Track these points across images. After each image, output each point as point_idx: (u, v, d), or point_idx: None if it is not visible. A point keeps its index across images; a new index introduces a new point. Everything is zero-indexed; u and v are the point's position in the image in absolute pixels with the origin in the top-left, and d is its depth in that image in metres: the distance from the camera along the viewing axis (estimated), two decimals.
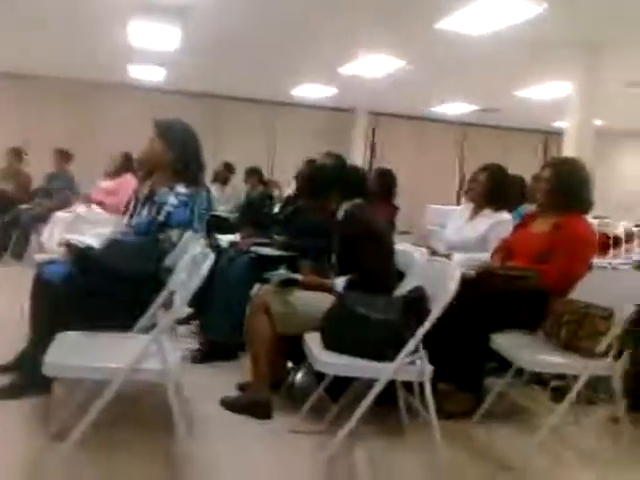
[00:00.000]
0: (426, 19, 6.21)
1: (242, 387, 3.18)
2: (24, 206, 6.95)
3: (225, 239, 4.58)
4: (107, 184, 6.26)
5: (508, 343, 2.89)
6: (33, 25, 7.73)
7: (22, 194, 7.38)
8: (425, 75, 9.14)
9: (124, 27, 7.30)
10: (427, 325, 2.43)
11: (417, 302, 2.55)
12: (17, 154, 7.66)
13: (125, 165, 6.35)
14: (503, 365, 3.04)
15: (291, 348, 3.05)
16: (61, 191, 6.96)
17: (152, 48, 8.32)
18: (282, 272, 3.09)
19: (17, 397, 2.81)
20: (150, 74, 10.55)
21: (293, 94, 11.63)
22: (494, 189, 3.84)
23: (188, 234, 2.94)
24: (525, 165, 8.70)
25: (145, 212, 3.08)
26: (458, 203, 12.31)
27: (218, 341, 3.77)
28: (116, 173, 6.32)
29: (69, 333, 2.45)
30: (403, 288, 2.84)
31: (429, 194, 11.95)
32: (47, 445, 2.43)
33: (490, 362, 3.20)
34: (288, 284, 3.01)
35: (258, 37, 7.64)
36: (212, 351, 3.74)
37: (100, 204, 6.23)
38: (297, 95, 11.69)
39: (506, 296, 2.99)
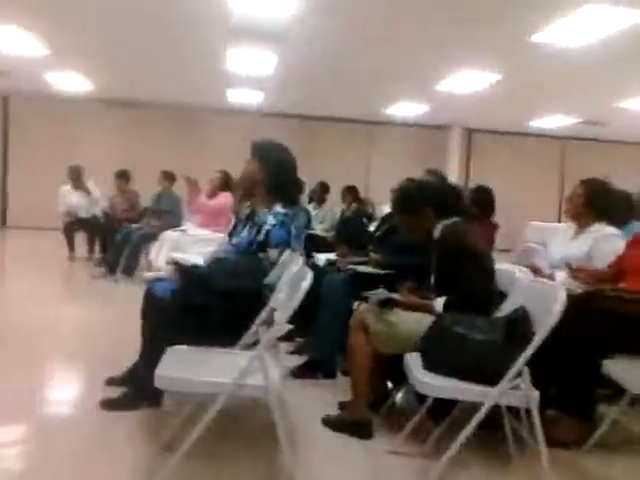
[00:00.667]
0: (522, 32, 6.09)
1: (343, 406, 3.19)
2: (134, 225, 7.36)
3: (322, 258, 4.64)
4: (207, 203, 6.54)
5: (621, 368, 2.73)
6: (143, 57, 8.28)
7: (131, 214, 7.84)
8: (522, 89, 8.93)
9: (223, 54, 7.65)
10: (531, 348, 2.34)
11: (520, 324, 2.47)
12: (125, 176, 8.14)
13: (224, 184, 6.61)
14: (617, 392, 2.88)
15: (391, 367, 3.03)
16: (168, 211, 7.32)
17: (249, 73, 8.65)
18: (380, 291, 3.08)
19: (129, 409, 2.96)
20: (248, 98, 10.95)
21: (387, 113, 11.69)
22: (593, 204, 3.66)
23: (287, 253, 3.01)
24: (632, 180, 8.24)
25: (245, 232, 3.18)
26: (560, 220, 11.84)
27: (319, 359, 3.82)
28: (214, 192, 6.58)
29: (178, 347, 2.56)
30: (505, 309, 2.76)
31: (529, 211, 11.57)
32: (157, 456, 2.53)
33: (602, 389, 3.04)
34: (387, 304, 3.00)
35: (352, 58, 7.76)
36: (314, 369, 3.79)
37: (202, 223, 6.55)
38: (391, 113, 11.74)
39: (618, 318, 2.84)
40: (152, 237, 6.65)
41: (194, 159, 11.18)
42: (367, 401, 2.97)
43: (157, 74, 9.52)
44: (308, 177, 7.45)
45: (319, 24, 6.36)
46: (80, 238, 8.35)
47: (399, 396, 3.31)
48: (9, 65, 9.21)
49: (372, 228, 6.42)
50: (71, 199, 8.21)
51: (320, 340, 3.83)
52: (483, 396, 2.39)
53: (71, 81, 10.38)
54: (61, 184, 8.47)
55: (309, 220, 6.43)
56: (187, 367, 2.40)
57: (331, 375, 3.75)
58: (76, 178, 8.19)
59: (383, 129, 13.12)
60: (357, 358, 2.98)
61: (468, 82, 8.44)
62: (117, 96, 11.80)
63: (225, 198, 6.68)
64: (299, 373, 3.75)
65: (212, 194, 6.63)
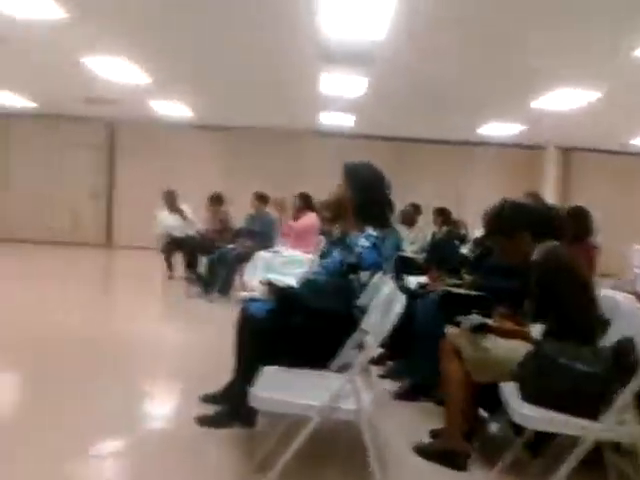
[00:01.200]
0: (623, 48, 5.83)
1: (435, 434, 3.12)
2: (229, 246, 7.60)
3: (413, 280, 4.59)
4: (293, 226, 6.70)
5: None
6: (239, 83, 8.63)
7: (224, 235, 8.10)
8: (623, 106, 8.52)
9: (316, 77, 7.82)
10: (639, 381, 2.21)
11: (627, 354, 2.33)
12: (218, 199, 8.44)
13: (304, 205, 6.74)
14: None
15: (484, 395, 2.94)
16: (261, 232, 7.51)
17: (342, 96, 8.78)
18: (474, 317, 3.01)
19: (223, 427, 3.03)
20: (340, 120, 11.11)
21: (480, 133, 11.49)
22: None
23: (378, 275, 3.01)
24: None
25: (336, 253, 3.20)
26: None
27: (420, 382, 3.78)
28: (297, 214, 6.71)
29: (272, 368, 2.61)
30: (609, 338, 2.62)
31: (632, 234, 10.95)
32: (250, 475, 2.57)
33: None
34: (480, 329, 2.93)
35: (444, 78, 7.71)
36: (416, 392, 3.75)
37: (291, 245, 6.68)
38: (484, 134, 11.53)
39: None
40: (246, 257, 6.83)
41: (288, 181, 11.42)
42: (461, 430, 2.89)
43: (253, 100, 9.87)
44: (399, 198, 7.42)
45: (410, 46, 6.38)
46: (179, 258, 8.69)
47: (494, 426, 3.20)
48: (117, 94, 9.84)
49: (464, 250, 6.31)
50: (168, 222, 8.60)
51: (418, 364, 3.78)
52: (585, 430, 2.28)
53: (172, 108, 10.96)
54: (157, 209, 8.87)
55: (400, 242, 6.39)
56: (281, 388, 2.43)
57: (433, 399, 3.67)
58: (171, 202, 8.57)
59: (476, 150, 12.90)
60: (450, 385, 2.92)
61: (566, 100, 8.15)
62: (215, 122, 12.33)
63: (309, 219, 6.81)
64: (401, 396, 3.73)
65: (296, 216, 6.79)
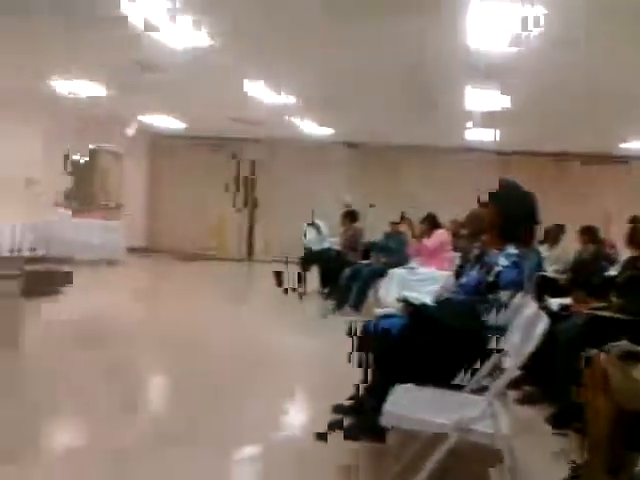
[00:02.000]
0: None
1: (576, 467, 2.93)
2: (363, 262, 7.68)
3: (555, 302, 4.36)
4: (428, 242, 6.70)
5: None
6: (384, 103, 8.77)
7: (355, 250, 8.20)
8: None
9: (462, 94, 7.73)
10: None
11: None
12: (352, 215, 8.56)
13: (431, 223, 6.82)
14: None
15: (633, 430, 2.72)
16: (396, 249, 7.52)
17: (485, 110, 8.62)
18: (624, 343, 2.80)
19: (353, 439, 3.05)
20: (484, 136, 10.90)
21: (623, 147, 10.72)
22: None
23: (519, 296, 2.90)
24: None
25: (475, 272, 3.14)
26: None
27: (555, 411, 3.59)
28: (428, 233, 6.76)
29: (405, 385, 2.59)
30: None
31: None
32: None
33: None
34: (632, 357, 2.72)
35: (593, 87, 7.29)
36: (563, 419, 3.56)
37: (424, 262, 6.63)
38: (629, 147, 10.74)
39: None
40: (381, 274, 6.86)
41: (434, 198, 11.31)
42: (606, 465, 2.69)
43: (397, 118, 9.95)
44: (543, 217, 7.16)
45: (554, 56, 6.13)
46: (312, 273, 8.90)
47: None
48: (265, 115, 10.33)
49: (613, 272, 5.89)
50: (308, 235, 8.87)
51: (558, 390, 3.58)
52: None
53: (314, 126, 11.32)
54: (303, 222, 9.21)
55: (541, 261, 6.10)
56: (415, 406, 2.42)
57: (573, 428, 3.46)
58: (311, 217, 8.87)
59: (624, 166, 12.04)
60: (595, 414, 2.73)
61: None
62: (356, 139, 12.58)
63: (441, 236, 6.75)
64: (553, 422, 3.56)
65: (427, 234, 6.76)
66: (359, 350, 3.23)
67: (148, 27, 5.77)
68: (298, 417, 3.72)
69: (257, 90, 8.44)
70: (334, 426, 3.10)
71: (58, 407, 3.47)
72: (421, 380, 2.65)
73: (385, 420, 2.35)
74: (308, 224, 8.88)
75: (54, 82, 8.81)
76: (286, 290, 8.50)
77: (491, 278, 2.98)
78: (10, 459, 2.67)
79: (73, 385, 3.86)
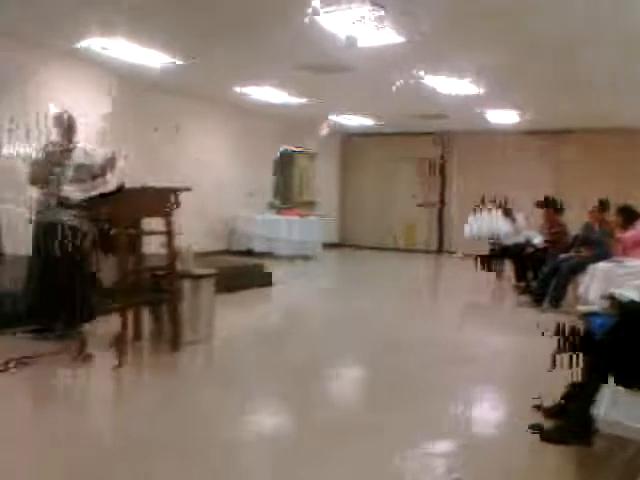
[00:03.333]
0: None
1: None
2: (562, 256, 7.22)
3: None
4: (623, 237, 6.27)
5: None
6: (579, 86, 8.18)
7: (558, 244, 7.71)
8: None
9: None
10: None
11: None
12: (555, 206, 8.06)
13: (628, 215, 6.40)
14: None
15: None
16: (599, 241, 6.98)
17: None
18: None
19: (557, 442, 2.91)
20: None
21: None
22: None
23: None
24: None
25: None
26: None
27: None
28: (625, 225, 6.36)
29: (616, 388, 2.43)
30: None
31: None
32: None
33: None
34: None
35: None
36: None
37: (623, 255, 6.10)
38: None
39: None
40: (581, 268, 6.42)
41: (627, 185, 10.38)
42: None
43: (591, 102, 9.25)
44: None
45: None
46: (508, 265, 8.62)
47: None
48: (449, 108, 10.22)
49: None
50: (498, 225, 8.57)
51: None
52: None
53: (501, 115, 10.93)
54: (488, 209, 8.95)
55: None
56: (631, 412, 2.25)
57: None
58: (505, 208, 8.56)
59: None
60: None
61: None
62: (542, 126, 11.90)
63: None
64: None
65: (624, 226, 6.38)
66: (566, 350, 3.08)
67: (335, 27, 5.97)
68: (494, 415, 3.63)
69: (441, 83, 8.36)
70: (537, 428, 3.00)
71: (258, 394, 3.77)
72: (634, 383, 2.46)
73: (596, 425, 2.22)
74: (505, 214, 8.59)
75: (245, 89, 9.54)
76: (500, 283, 8.45)
77: None
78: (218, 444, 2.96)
79: (273, 376, 4.16)
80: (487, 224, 8.70)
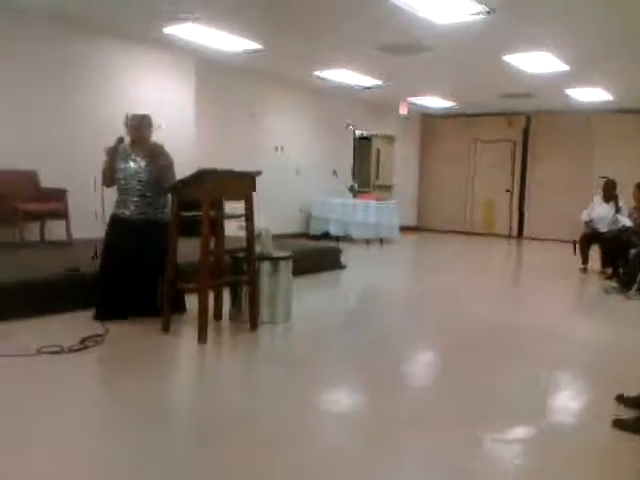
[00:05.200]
0: None
1: None
2: None
3: None
4: None
5: None
6: None
7: None
8: None
9: None
10: None
11: None
12: None
13: None
14: None
15: None
16: None
17: None
18: None
19: (634, 432, 2.82)
20: None
21: None
22: None
23: None
24: None
25: None
26: None
27: None
28: None
29: None
30: None
31: None
32: None
33: None
34: None
35: None
36: None
37: None
38: None
39: None
40: None
41: None
42: None
43: None
44: None
45: None
46: (595, 251, 8.31)
47: None
48: (533, 86, 9.88)
49: None
50: (598, 211, 8.26)
51: None
52: None
53: (589, 93, 10.46)
54: (594, 194, 8.65)
55: None
56: None
57: None
58: (608, 192, 8.24)
59: None
60: None
61: None
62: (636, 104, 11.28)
63: None
64: None
65: None
66: None
67: (412, 6, 5.90)
68: (573, 403, 3.54)
69: (524, 60, 8.09)
70: (622, 424, 2.90)
71: (334, 373, 3.83)
72: None
73: None
74: (606, 199, 8.25)
75: (325, 72, 9.56)
76: (586, 268, 8.26)
77: None
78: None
79: (349, 356, 4.22)
80: (598, 209, 8.39)
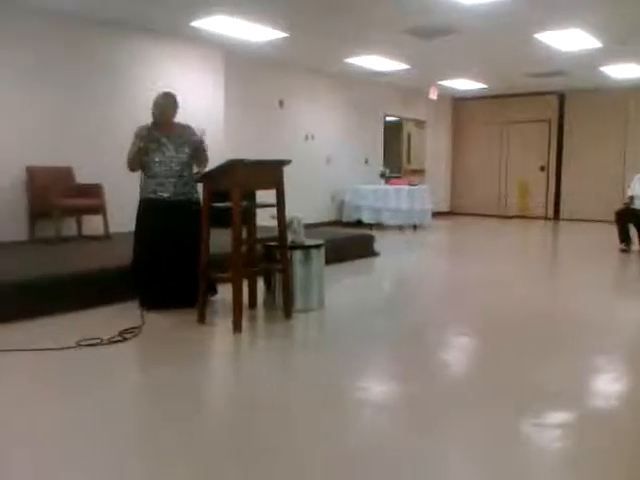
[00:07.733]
0: None
1: None
2: None
3: None
4: None
5: None
6: None
7: None
8: None
9: None
10: None
11: None
12: None
13: None
14: None
15: None
16: None
17: None
18: None
19: None
20: None
21: None
22: None
23: None
24: None
25: None
26: None
27: None
28: None
29: None
30: None
31: None
32: None
33: None
34: None
35: None
36: None
37: None
38: None
39: None
40: None
41: None
42: None
43: None
44: None
45: None
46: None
47: None
48: (566, 64, 9.66)
49: None
50: (637, 188, 8.09)
51: None
52: None
53: (625, 70, 10.18)
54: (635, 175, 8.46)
55: None
56: None
57: None
58: None
59: None
60: None
61: None
62: None
63: None
64: None
65: None
66: None
67: None
68: (616, 387, 3.48)
69: (555, 38, 7.91)
70: None
71: (369, 359, 3.84)
72: None
73: None
74: None
75: (353, 59, 9.51)
76: (624, 249, 8.14)
77: None
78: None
79: (384, 343, 4.22)
80: (638, 187, 8.19)
